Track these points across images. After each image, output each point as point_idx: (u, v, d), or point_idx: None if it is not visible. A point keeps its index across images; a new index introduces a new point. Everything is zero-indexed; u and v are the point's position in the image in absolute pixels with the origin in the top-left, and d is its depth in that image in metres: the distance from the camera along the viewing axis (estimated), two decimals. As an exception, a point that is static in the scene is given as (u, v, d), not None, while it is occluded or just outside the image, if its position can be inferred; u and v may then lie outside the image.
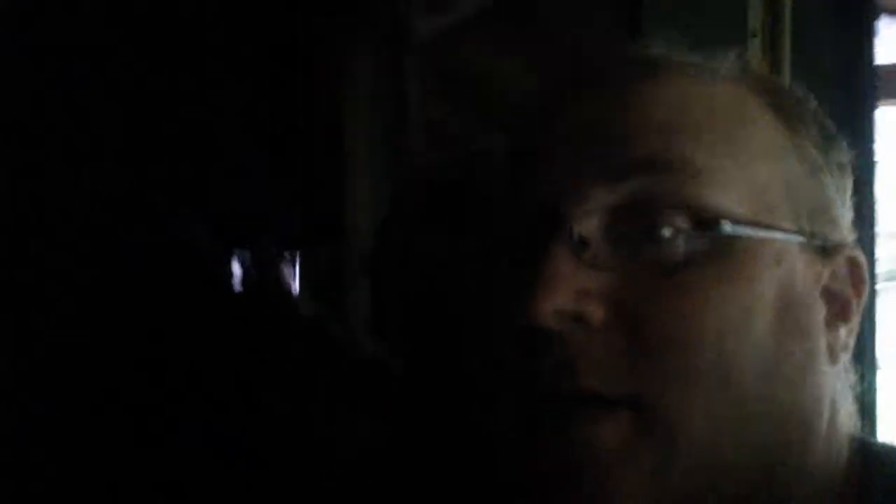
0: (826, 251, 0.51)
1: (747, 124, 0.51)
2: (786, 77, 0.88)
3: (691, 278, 0.46)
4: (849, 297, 0.51)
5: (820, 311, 0.50)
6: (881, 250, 0.89)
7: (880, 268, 0.94)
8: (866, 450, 0.52)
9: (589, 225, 0.47)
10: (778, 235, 0.48)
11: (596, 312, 0.46)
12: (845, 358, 0.52)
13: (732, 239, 0.47)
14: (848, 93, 0.91)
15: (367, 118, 1.24)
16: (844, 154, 0.54)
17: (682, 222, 0.47)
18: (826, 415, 0.50)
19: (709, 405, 0.46)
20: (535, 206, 0.49)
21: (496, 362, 0.50)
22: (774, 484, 0.48)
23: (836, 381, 0.51)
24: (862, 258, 0.53)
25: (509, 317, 0.47)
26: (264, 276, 1.19)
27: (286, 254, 1.22)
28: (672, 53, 0.53)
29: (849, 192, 0.54)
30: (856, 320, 0.52)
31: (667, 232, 0.47)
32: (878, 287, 0.86)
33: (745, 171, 0.49)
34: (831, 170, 0.53)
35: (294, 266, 1.23)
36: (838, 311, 0.51)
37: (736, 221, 0.47)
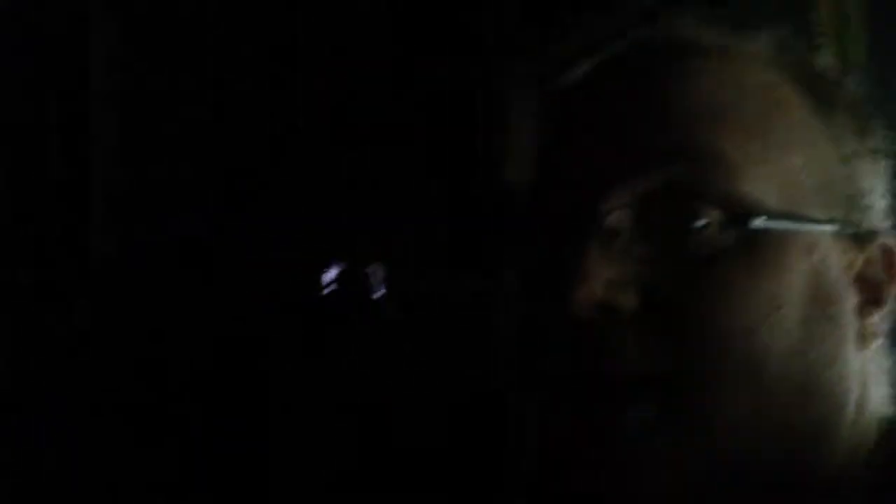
0: (860, 238, 0.51)
1: (781, 110, 0.50)
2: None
3: (722, 269, 0.47)
4: (882, 284, 0.51)
5: (851, 299, 0.50)
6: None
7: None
8: (894, 431, 0.53)
9: (620, 216, 0.48)
10: (810, 226, 0.49)
11: (626, 302, 0.46)
12: (877, 343, 0.52)
13: (764, 231, 0.47)
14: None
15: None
16: (881, 139, 0.54)
17: (714, 214, 0.47)
18: (854, 400, 0.50)
19: (736, 394, 0.46)
20: (567, 199, 0.49)
21: (536, 353, 0.51)
22: (799, 469, 0.49)
23: (868, 366, 0.52)
24: None
25: (547, 308, 0.48)
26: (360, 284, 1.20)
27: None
28: (703, 34, 0.53)
29: (884, 178, 0.54)
30: (889, 306, 0.52)
31: (698, 223, 0.47)
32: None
33: (778, 160, 0.49)
34: (867, 156, 0.52)
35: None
36: (871, 297, 0.51)
37: (768, 214, 0.47)
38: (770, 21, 0.52)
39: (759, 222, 0.47)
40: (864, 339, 0.51)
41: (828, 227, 0.49)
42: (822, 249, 0.49)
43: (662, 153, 0.48)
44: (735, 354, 0.46)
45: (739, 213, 0.47)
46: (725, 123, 0.48)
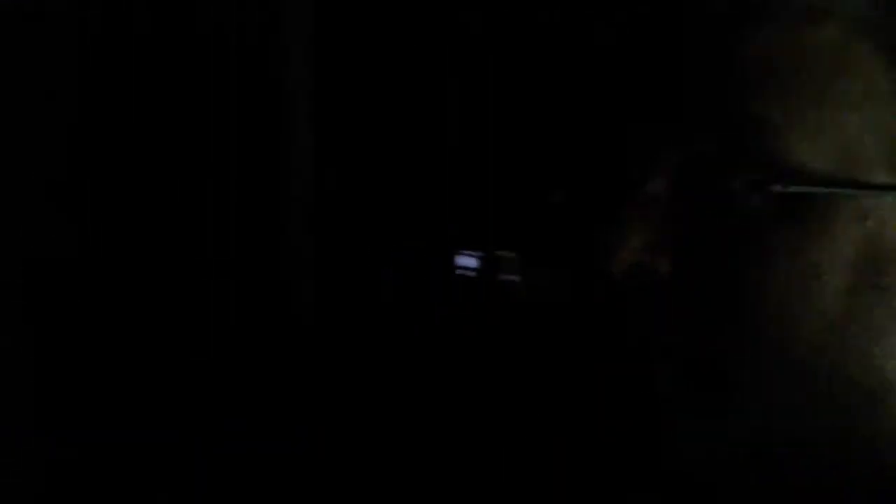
0: None
1: (845, 72, 0.48)
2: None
3: (759, 235, 0.46)
4: None
5: None
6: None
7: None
8: None
9: (660, 179, 0.47)
10: (865, 193, 0.47)
11: (663, 265, 0.46)
12: None
13: (811, 195, 0.45)
14: None
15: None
16: None
17: (757, 178, 0.45)
18: None
19: (769, 363, 0.45)
20: (610, 159, 0.49)
21: (570, 312, 0.51)
22: (840, 449, 0.47)
23: None
24: None
25: (583, 271, 0.48)
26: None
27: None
28: None
29: None
30: None
31: (740, 187, 0.46)
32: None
33: (834, 123, 0.47)
34: None
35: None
36: None
37: (816, 178, 0.45)
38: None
39: (798, 187, 0.45)
40: None
41: (884, 193, 0.47)
42: (878, 217, 0.47)
43: (707, 117, 0.47)
44: (768, 323, 0.45)
45: (780, 178, 0.45)
46: (777, 87, 0.47)
